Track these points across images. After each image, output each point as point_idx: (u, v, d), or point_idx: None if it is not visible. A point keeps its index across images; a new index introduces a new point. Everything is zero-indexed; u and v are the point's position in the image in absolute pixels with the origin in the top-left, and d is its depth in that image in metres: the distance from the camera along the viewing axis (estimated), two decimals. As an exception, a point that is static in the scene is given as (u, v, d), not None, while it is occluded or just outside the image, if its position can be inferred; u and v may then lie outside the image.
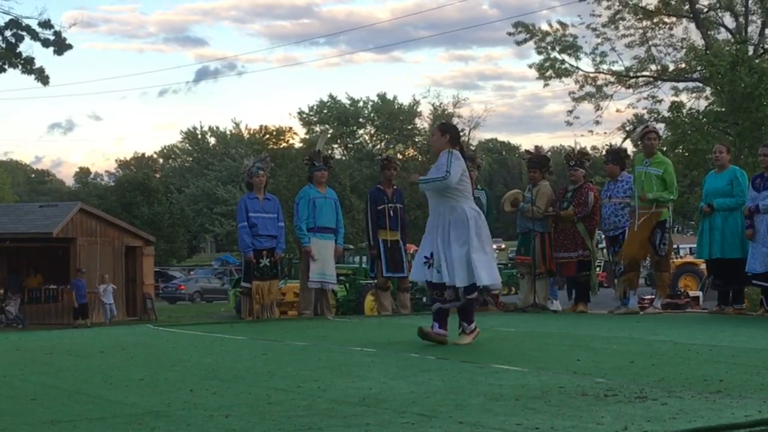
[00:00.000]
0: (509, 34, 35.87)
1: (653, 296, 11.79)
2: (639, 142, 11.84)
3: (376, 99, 77.44)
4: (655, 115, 32.80)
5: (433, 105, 65.29)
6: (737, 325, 9.31)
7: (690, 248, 35.83)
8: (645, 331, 8.65)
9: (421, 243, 7.95)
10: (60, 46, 27.23)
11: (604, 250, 12.45)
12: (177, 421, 4.44)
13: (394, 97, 76.47)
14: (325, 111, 77.92)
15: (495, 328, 9.33)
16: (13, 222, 30.45)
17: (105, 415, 4.69)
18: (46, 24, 27.19)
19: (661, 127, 28.54)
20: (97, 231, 31.11)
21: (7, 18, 27.45)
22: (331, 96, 78.74)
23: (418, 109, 73.37)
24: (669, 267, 11.47)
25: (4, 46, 27.13)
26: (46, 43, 27.11)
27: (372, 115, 77.28)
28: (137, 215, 54.75)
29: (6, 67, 27.28)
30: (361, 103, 77.85)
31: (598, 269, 12.61)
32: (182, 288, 47.94)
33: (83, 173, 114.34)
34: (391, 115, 74.54)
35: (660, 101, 34.70)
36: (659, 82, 35.20)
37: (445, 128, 8.13)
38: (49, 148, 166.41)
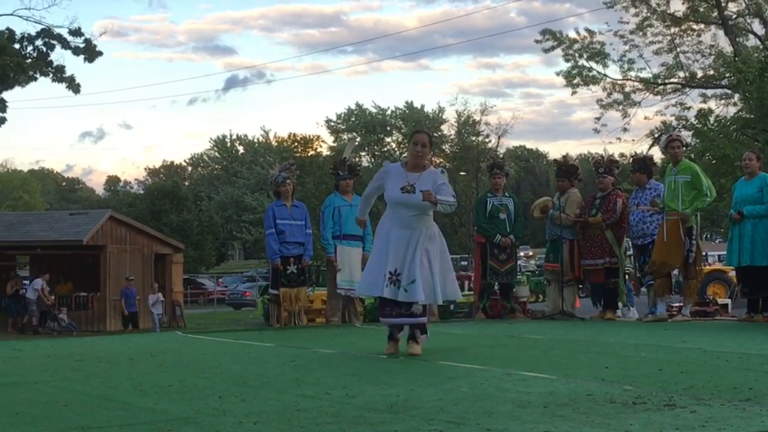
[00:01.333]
0: (537, 41, 35.93)
1: (681, 304, 11.74)
2: (665, 152, 11.82)
3: (402, 107, 77.63)
4: (684, 122, 32.63)
5: (457, 112, 65.22)
6: (767, 333, 9.25)
7: (719, 255, 35.60)
8: (673, 339, 8.61)
9: (377, 255, 7.54)
10: (90, 53, 27.52)
11: (632, 258, 12.36)
12: (206, 428, 4.47)
13: (422, 106, 76.56)
14: (353, 119, 78.16)
15: (523, 336, 9.32)
16: (44, 230, 30.69)
17: (135, 421, 4.72)
18: (76, 32, 27.52)
19: (688, 134, 28.38)
20: (127, 238, 31.30)
21: (39, 27, 27.83)
22: (358, 104, 79.05)
23: (444, 117, 73.35)
24: (697, 274, 11.41)
25: (35, 55, 27.43)
26: (76, 51, 27.43)
27: (399, 122, 77.40)
28: (166, 223, 54.98)
29: (37, 75, 27.58)
30: (388, 111, 78.02)
31: (626, 276, 12.54)
32: (248, 294, 47.96)
33: (113, 181, 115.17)
34: (417, 123, 74.56)
35: (688, 108, 34.59)
36: (687, 89, 35.04)
37: (432, 141, 7.90)
38: (80, 156, 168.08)
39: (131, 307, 28.21)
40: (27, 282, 34.63)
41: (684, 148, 11.55)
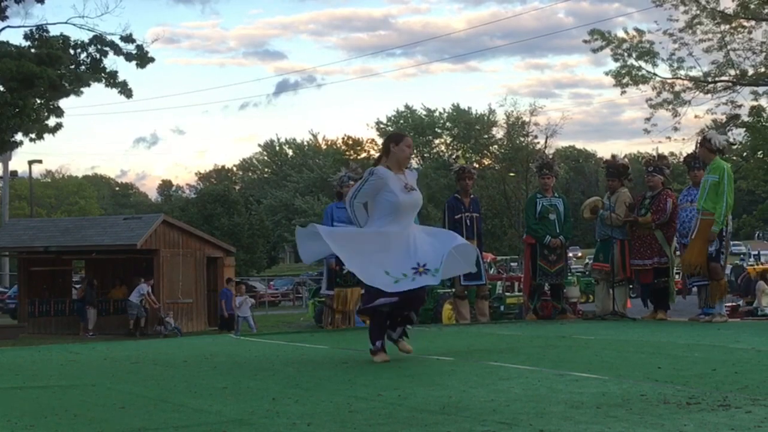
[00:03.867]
0: (585, 41, 35.64)
1: (734, 303, 11.62)
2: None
3: (451, 109, 77.53)
4: (735, 121, 32.24)
5: (506, 113, 64.83)
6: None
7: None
8: (727, 339, 8.54)
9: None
10: (142, 59, 27.86)
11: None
12: (260, 429, 4.52)
13: (469, 108, 76.36)
14: (402, 121, 78.20)
15: (574, 336, 9.29)
16: (99, 234, 31.03)
17: (190, 423, 4.78)
18: (128, 38, 27.86)
19: (740, 132, 27.99)
20: (180, 242, 31.53)
21: (92, 35, 28.22)
22: (407, 106, 79.12)
23: (494, 118, 73.06)
24: (721, 274, 11.18)
25: (88, 61, 27.80)
26: (129, 57, 27.75)
27: (448, 124, 77.31)
28: (218, 226, 55.38)
29: (91, 82, 27.95)
30: (437, 113, 77.96)
31: (676, 276, 12.41)
32: None
33: (166, 186, 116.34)
34: (467, 125, 74.38)
35: (739, 106, 34.17)
36: (738, 87, 34.60)
37: None
38: (133, 161, 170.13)
39: (229, 309, 28.08)
40: (77, 286, 35.16)
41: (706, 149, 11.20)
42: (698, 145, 11.25)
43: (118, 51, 27.66)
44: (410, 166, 7.76)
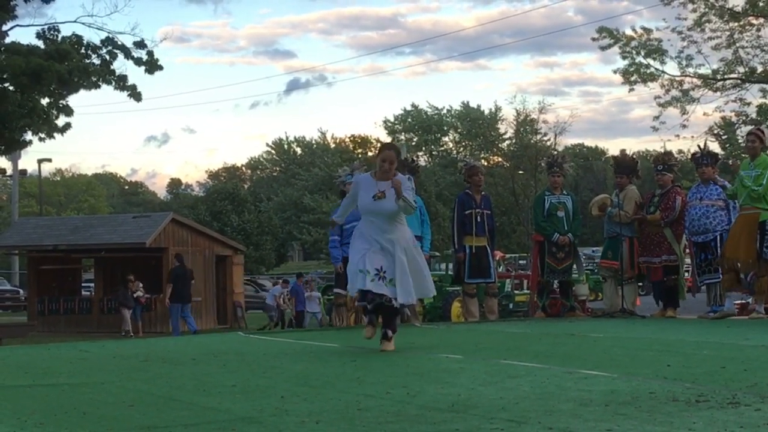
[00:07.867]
0: (593, 39, 35.50)
1: (744, 300, 11.58)
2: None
3: (459, 107, 77.52)
4: (744, 118, 32.12)
5: (516, 110, 64.68)
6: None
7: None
8: (736, 336, 8.52)
9: (357, 255, 7.87)
10: (151, 65, 28.01)
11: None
12: (269, 427, 4.52)
13: (478, 106, 76.24)
14: (410, 119, 78.20)
15: (583, 334, 9.29)
16: (108, 233, 31.07)
17: (199, 421, 4.78)
18: (140, 44, 28.05)
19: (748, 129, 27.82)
20: (189, 240, 31.55)
21: (103, 35, 28.36)
22: (413, 105, 79.14)
23: (501, 116, 72.95)
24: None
25: (98, 63, 27.91)
26: (138, 61, 27.89)
27: (455, 122, 77.25)
28: (227, 224, 55.45)
29: (101, 83, 28.05)
30: (444, 111, 77.93)
31: (686, 274, 12.39)
32: None
33: (175, 184, 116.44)
34: (474, 122, 74.29)
35: (748, 104, 34.07)
36: (747, 85, 34.49)
37: (399, 156, 8.30)
38: (144, 160, 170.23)
39: (300, 306, 27.97)
40: (91, 285, 35.17)
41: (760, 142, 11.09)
42: (748, 138, 11.11)
43: (128, 54, 27.79)
44: (400, 174, 8.03)
